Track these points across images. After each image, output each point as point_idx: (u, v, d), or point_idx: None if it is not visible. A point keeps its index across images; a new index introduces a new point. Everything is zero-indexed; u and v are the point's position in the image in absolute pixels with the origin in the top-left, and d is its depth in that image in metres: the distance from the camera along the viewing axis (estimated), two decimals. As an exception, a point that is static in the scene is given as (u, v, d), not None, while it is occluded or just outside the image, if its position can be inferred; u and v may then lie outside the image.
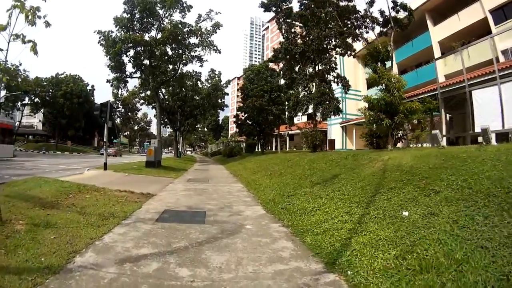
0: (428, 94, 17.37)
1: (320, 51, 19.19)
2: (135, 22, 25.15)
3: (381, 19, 17.34)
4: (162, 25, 26.08)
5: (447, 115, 17.71)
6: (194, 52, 29.28)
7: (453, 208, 4.51)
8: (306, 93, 20.34)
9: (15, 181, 10.77)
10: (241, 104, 37.36)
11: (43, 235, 4.83)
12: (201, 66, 35.88)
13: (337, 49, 20.33)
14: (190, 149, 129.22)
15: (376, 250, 4.18)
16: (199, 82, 41.19)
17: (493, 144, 9.29)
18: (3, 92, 46.80)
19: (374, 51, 13.91)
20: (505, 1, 19.62)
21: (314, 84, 20.06)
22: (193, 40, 28.19)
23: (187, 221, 6.49)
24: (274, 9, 21.51)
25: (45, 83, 57.56)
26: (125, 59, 25.59)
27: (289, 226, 6.17)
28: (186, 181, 14.81)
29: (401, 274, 3.45)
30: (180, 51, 28.13)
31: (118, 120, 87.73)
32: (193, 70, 38.97)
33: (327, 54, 19.78)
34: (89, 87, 67.93)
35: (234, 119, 41.84)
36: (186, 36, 27.18)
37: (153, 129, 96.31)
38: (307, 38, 20.12)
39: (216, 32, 28.03)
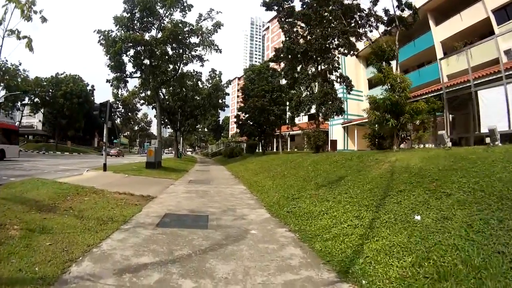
0: (432, 94, 17.13)
1: (323, 50, 18.92)
2: (135, 21, 25.01)
3: (385, 18, 17.07)
4: (162, 25, 25.97)
5: (449, 115, 17.51)
6: (195, 52, 29.22)
7: (467, 212, 4.34)
8: (308, 93, 20.08)
9: (13, 182, 10.46)
10: (242, 105, 37.21)
11: (38, 242, 4.57)
12: (202, 65, 35.79)
13: (340, 48, 20.08)
14: (191, 150, 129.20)
15: (391, 257, 3.95)
16: (199, 82, 40.99)
17: (498, 145, 9.07)
18: (3, 92, 46.67)
19: (379, 50, 13.65)
20: (508, 1, 19.39)
21: (316, 84, 19.81)
22: (194, 39, 28.10)
23: (189, 225, 6.21)
24: (276, 8, 21.25)
25: (45, 83, 57.29)
26: (125, 58, 25.52)
27: (296, 231, 5.91)
28: (187, 183, 14.54)
29: (419, 283, 3.25)
30: (181, 50, 28.00)
31: (118, 121, 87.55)
32: (193, 70, 38.88)
33: (330, 54, 19.51)
34: (89, 87, 67.75)
35: (235, 120, 41.67)
36: (187, 35, 27.07)
37: (154, 129, 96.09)
38: (309, 38, 19.89)
39: (217, 32, 27.93)
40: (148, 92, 36.71)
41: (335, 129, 36.04)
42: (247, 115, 36.03)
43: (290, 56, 21.63)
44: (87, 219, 6.13)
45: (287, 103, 29.76)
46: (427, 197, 5.33)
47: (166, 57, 26.88)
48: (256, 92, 33.18)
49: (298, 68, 22.07)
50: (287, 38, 21.17)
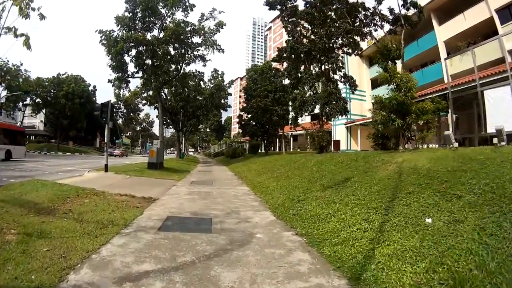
0: (437, 94, 16.93)
1: (326, 49, 18.73)
2: (137, 21, 24.93)
3: (390, 17, 16.89)
4: (164, 24, 25.82)
5: (453, 115, 17.42)
6: (197, 52, 29.04)
7: (478, 214, 4.24)
8: (312, 93, 19.89)
9: (12, 183, 10.27)
10: (244, 105, 37.05)
11: (35, 247, 4.40)
12: (204, 65, 35.68)
13: (344, 48, 19.90)
14: (193, 150, 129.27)
15: (403, 262, 3.78)
16: (201, 82, 40.80)
17: (504, 145, 8.89)
18: (4, 92, 46.69)
19: (384, 49, 13.45)
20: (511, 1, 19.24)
21: (320, 83, 19.61)
22: (196, 39, 27.98)
23: (192, 229, 6.00)
24: (279, 7, 21.11)
25: (46, 83, 57.18)
26: (127, 58, 25.51)
27: (303, 234, 5.70)
28: (189, 184, 14.35)
29: (435, 290, 3.07)
30: (183, 50, 27.90)
31: (120, 121, 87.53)
32: (196, 70, 38.79)
33: (334, 53, 19.32)
34: (90, 88, 67.72)
35: (237, 120, 41.53)
36: (189, 35, 26.98)
37: (156, 129, 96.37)
38: (312, 37, 19.71)
39: (219, 31, 27.79)
40: (150, 92, 36.62)
41: (338, 129, 35.85)
42: (249, 115, 35.87)
43: (293, 56, 21.46)
44: (87, 222, 5.93)
45: (290, 103, 29.61)
46: (437, 199, 5.18)
47: (168, 57, 26.82)
48: (259, 92, 33.03)
49: (301, 68, 21.92)
50: (291, 38, 20.99)
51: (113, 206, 7.54)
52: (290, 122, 30.92)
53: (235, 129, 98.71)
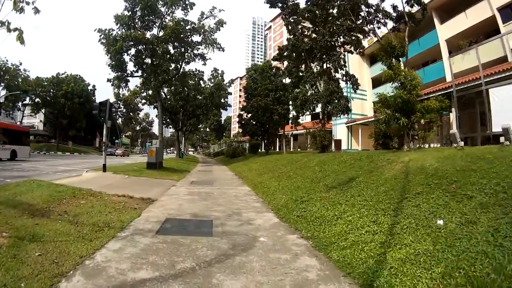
0: (441, 93, 16.72)
1: (328, 47, 18.48)
2: (137, 20, 24.72)
3: (394, 14, 16.65)
4: (164, 23, 25.58)
5: (453, 114, 17.25)
6: (197, 50, 28.81)
7: (491, 215, 4.05)
8: (313, 91, 19.64)
9: (8, 184, 10.04)
10: (245, 104, 36.85)
11: (27, 252, 4.16)
12: (204, 64, 35.62)
13: (346, 46, 19.65)
14: (193, 150, 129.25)
15: (418, 267, 3.56)
16: (201, 82, 40.62)
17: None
18: (3, 92, 46.52)
19: (388, 47, 13.19)
20: (514, -1, 19.17)
21: (321, 82, 19.36)
22: (196, 38, 27.77)
23: (192, 232, 5.72)
24: (280, 5, 20.89)
25: (45, 83, 56.96)
26: (126, 57, 25.31)
27: (308, 238, 5.44)
28: (189, 184, 14.08)
29: (453, 297, 2.94)
30: (183, 49, 27.68)
31: (120, 120, 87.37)
32: (195, 69, 38.50)
33: (336, 52, 19.06)
34: (90, 87, 67.45)
35: (237, 119, 41.36)
36: (189, 33, 26.74)
37: (155, 129, 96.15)
38: (314, 36, 19.49)
39: (219, 30, 27.57)
40: (150, 92, 36.41)
41: (339, 129, 35.68)
42: (250, 115, 35.65)
43: (294, 54, 21.21)
44: (82, 225, 5.68)
45: (290, 102, 29.41)
46: (447, 200, 4.97)
47: (168, 56, 26.63)
48: (259, 91, 32.82)
49: (302, 67, 21.71)
50: (292, 36, 20.75)
51: (110, 208, 7.28)
52: (290, 121, 30.76)
53: (234, 128, 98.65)
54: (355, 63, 34.64)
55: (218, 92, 41.59)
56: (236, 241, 5.20)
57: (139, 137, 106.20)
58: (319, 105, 19.60)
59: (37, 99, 57.75)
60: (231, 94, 48.97)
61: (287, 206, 7.89)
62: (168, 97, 40.28)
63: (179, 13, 27.67)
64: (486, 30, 20.65)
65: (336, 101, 18.04)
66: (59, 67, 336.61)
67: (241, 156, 36.97)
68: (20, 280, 3.35)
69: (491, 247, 3.39)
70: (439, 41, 25.07)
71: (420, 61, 28.32)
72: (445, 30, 24.58)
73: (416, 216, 4.90)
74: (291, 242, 5.25)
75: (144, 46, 24.52)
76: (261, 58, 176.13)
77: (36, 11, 6.06)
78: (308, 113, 21.18)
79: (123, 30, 23.92)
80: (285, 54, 22.35)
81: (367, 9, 17.26)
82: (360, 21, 17.72)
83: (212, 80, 42.79)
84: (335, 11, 18.54)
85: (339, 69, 19.52)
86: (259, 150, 39.18)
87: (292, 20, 20.72)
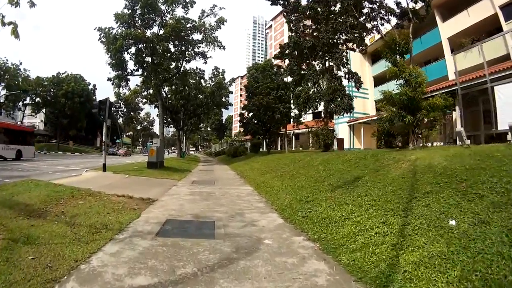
0: (444, 91, 16.50)
1: (331, 45, 18.25)
2: (137, 18, 24.63)
3: (397, 11, 16.44)
4: (164, 21, 25.41)
5: (457, 113, 17.08)
6: (198, 49, 28.66)
7: (504, 215, 3.91)
8: (316, 89, 19.41)
9: (5, 184, 9.85)
10: (246, 102, 36.67)
11: (20, 255, 3.98)
12: (205, 63, 35.56)
13: (349, 43, 19.42)
14: (194, 149, 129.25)
15: (433, 271, 3.39)
16: (202, 80, 40.52)
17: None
18: (3, 92, 46.41)
19: (393, 43, 12.96)
20: (515, -3, 19.06)
21: (324, 80, 19.12)
22: (197, 36, 27.63)
23: (193, 234, 5.46)
24: (281, 2, 20.68)
25: (46, 83, 56.97)
26: (127, 56, 25.17)
27: (315, 240, 5.20)
28: (190, 184, 13.85)
29: (471, 302, 2.83)
30: (183, 47, 27.50)
31: (120, 120, 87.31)
32: (196, 67, 38.41)
33: (338, 49, 18.83)
34: (90, 87, 67.29)
35: (238, 119, 41.22)
36: (189, 32, 26.60)
37: (156, 129, 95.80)
38: (316, 33, 19.27)
39: (220, 28, 27.42)
40: (150, 91, 36.42)
41: (341, 128, 35.49)
42: (251, 114, 35.45)
43: (296, 52, 21.02)
44: (79, 226, 5.47)
45: (291, 101, 29.22)
46: (458, 199, 4.80)
47: (168, 54, 26.46)
48: (261, 90, 32.60)
49: (304, 65, 21.54)
50: (293, 33, 20.54)
51: (109, 208, 7.06)
52: (292, 120, 30.57)
53: (236, 128, 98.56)
54: (356, 62, 34.47)
55: (219, 91, 41.47)
56: (240, 244, 4.96)
57: (140, 136, 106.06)
58: (322, 104, 19.37)
59: (37, 99, 57.68)
60: (232, 93, 48.87)
61: (292, 207, 7.65)
62: (169, 96, 40.25)
63: (179, 11, 27.70)
64: (488, 28, 20.59)
65: (339, 99, 17.80)
66: (59, 66, 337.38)
67: (242, 155, 36.82)
68: (12, 285, 3.20)
69: (506, 248, 3.27)
70: (441, 39, 24.92)
71: (422, 59, 28.15)
72: (447, 28, 24.43)
73: (427, 216, 4.71)
74: (298, 245, 5.01)
75: (144, 45, 24.35)
76: (261, 58, 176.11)
77: (32, 4, 5.85)
78: (310, 111, 20.98)
79: (123, 28, 23.81)
80: (286, 52, 22.13)
81: (370, 5, 17.06)
82: (363, 17, 17.51)
83: (213, 79, 42.67)
84: (337, 7, 18.35)
85: (341, 67, 19.27)
86: (261, 149, 38.99)
87: (293, 18, 20.50)
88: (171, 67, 28.84)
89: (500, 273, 2.96)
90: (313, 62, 20.05)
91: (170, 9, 25.38)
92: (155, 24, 25.54)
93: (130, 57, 25.34)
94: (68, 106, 56.85)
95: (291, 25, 20.64)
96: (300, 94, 19.67)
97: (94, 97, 66.80)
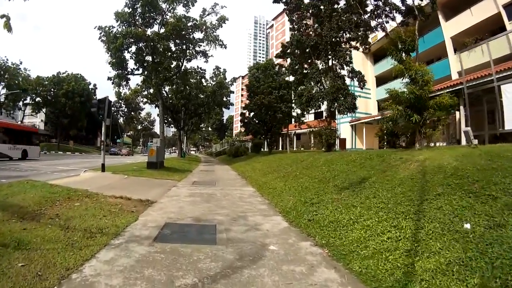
0: (449, 90, 16.28)
1: (334, 43, 17.98)
2: (137, 17, 24.35)
3: (402, 8, 16.18)
4: (165, 20, 25.16)
5: (464, 112, 16.94)
6: (199, 47, 28.37)
7: None
8: (318, 88, 19.14)
9: (1, 184, 9.56)
10: (247, 102, 36.50)
11: (10, 261, 3.72)
12: (206, 61, 35.35)
13: (352, 42, 19.14)
14: (194, 149, 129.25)
15: (451, 279, 3.22)
16: (203, 80, 40.31)
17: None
18: (3, 91, 46.30)
19: (399, 40, 12.71)
20: (519, -4, 18.95)
21: (327, 79, 18.85)
22: (198, 34, 27.38)
23: (193, 240, 5.16)
24: (284, 0, 20.46)
25: (46, 82, 56.83)
26: (127, 55, 24.90)
27: (323, 245, 4.92)
28: (191, 184, 13.57)
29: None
30: (184, 46, 27.22)
31: (121, 120, 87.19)
32: (197, 66, 38.26)
33: (342, 47, 18.55)
34: (91, 86, 67.03)
35: (239, 118, 41.04)
36: (190, 30, 26.30)
37: (157, 128, 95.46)
38: (319, 30, 19.01)
39: (221, 26, 27.17)
40: (151, 90, 36.32)
41: (343, 128, 35.23)
42: (252, 113, 35.23)
43: (299, 51, 20.82)
44: (73, 230, 5.19)
45: (293, 100, 28.97)
46: (471, 201, 4.59)
47: (169, 53, 26.21)
48: (263, 89, 32.38)
49: (306, 65, 21.30)
50: (296, 31, 20.28)
51: (105, 211, 6.78)
52: (294, 120, 30.33)
53: (236, 128, 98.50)
54: (358, 61, 34.15)
55: (220, 91, 41.29)
56: (243, 250, 4.67)
57: (140, 136, 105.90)
58: (325, 103, 19.10)
59: (37, 99, 57.46)
60: (233, 92, 48.69)
61: (296, 209, 7.38)
62: (169, 95, 40.10)
63: (180, 10, 27.49)
64: (491, 28, 20.45)
65: (343, 98, 17.51)
66: (59, 66, 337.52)
67: (243, 155, 36.70)
68: (-3, 296, 2.88)
69: (525, 253, 3.09)
70: (444, 38, 24.78)
71: (424, 58, 27.82)
72: (450, 28, 24.28)
73: (440, 219, 4.49)
74: (305, 251, 4.73)
75: (145, 43, 24.09)
76: (263, 57, 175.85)
77: (25, -4, 5.64)
78: (312, 111, 20.74)
79: (124, 27, 23.52)
80: (288, 51, 21.94)
81: (375, 2, 16.81)
82: (368, 15, 17.25)
83: (214, 79, 42.48)
84: (340, 5, 18.12)
85: (344, 66, 19.00)
86: (262, 149, 38.83)
87: (296, 16, 20.25)
88: (172, 66, 28.59)
89: (521, 279, 2.76)
90: (316, 60, 19.77)
91: (171, 7, 25.08)
92: (155, 22, 25.26)
93: (131, 56, 25.14)
94: (68, 105, 56.70)
95: (294, 23, 20.39)
96: (303, 93, 19.40)
97: (94, 97, 66.46)
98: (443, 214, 4.57)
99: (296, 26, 20.25)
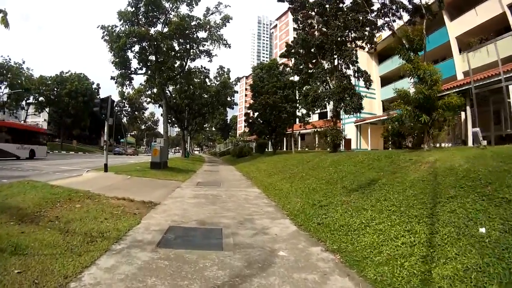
0: (456, 90, 16.07)
1: (340, 43, 17.76)
2: (140, 16, 24.12)
3: (409, 6, 15.95)
4: (168, 19, 24.98)
5: (466, 113, 17.09)
6: (203, 47, 28.18)
7: None
8: (324, 88, 18.92)
9: (1, 185, 9.38)
10: (251, 102, 36.42)
11: (6, 268, 3.52)
12: (210, 61, 35.12)
13: (358, 41, 18.90)
14: (198, 149, 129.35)
15: (470, 286, 3.08)
16: (207, 80, 40.21)
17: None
18: (6, 91, 46.38)
19: (406, 39, 12.47)
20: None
21: (333, 79, 18.63)
22: (202, 34, 27.17)
23: (199, 245, 4.91)
24: (289, -1, 20.24)
25: (49, 82, 57.04)
26: (130, 54, 24.73)
27: (335, 251, 4.68)
28: (195, 185, 13.37)
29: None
30: (188, 45, 27.04)
31: (125, 120, 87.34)
32: (201, 66, 38.22)
33: (348, 47, 18.31)
34: (94, 86, 67.21)
35: (244, 118, 40.98)
36: (194, 29, 26.09)
37: (161, 128, 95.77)
38: (324, 29, 18.80)
39: (225, 26, 26.94)
40: (154, 90, 36.22)
41: (348, 128, 35.00)
42: (257, 113, 35.08)
43: (303, 51, 20.64)
44: (73, 234, 4.98)
45: (298, 100, 28.76)
46: (485, 204, 4.42)
47: (173, 52, 26.01)
48: (267, 89, 32.22)
49: (311, 65, 21.10)
50: (301, 30, 20.07)
51: (107, 213, 6.57)
52: (299, 120, 30.13)
53: (240, 128, 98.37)
54: (363, 61, 33.80)
55: (224, 90, 41.26)
56: (252, 257, 4.42)
57: (144, 136, 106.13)
58: (330, 103, 18.86)
59: (41, 98, 57.76)
60: (237, 92, 48.56)
61: (305, 212, 7.14)
62: (173, 95, 40.03)
63: (184, 9, 27.30)
64: (496, 28, 20.29)
65: (349, 98, 17.28)
66: (63, 66, 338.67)
67: (248, 155, 36.55)
68: (-7, 305, 2.70)
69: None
70: (449, 38, 24.53)
71: (429, 58, 27.32)
72: (455, 28, 24.08)
73: (454, 223, 4.32)
74: (316, 257, 4.49)
75: (148, 43, 23.95)
76: (266, 57, 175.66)
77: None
78: (318, 111, 20.54)
79: (127, 26, 23.35)
80: (293, 51, 21.82)
81: (382, 0, 16.56)
82: (375, 13, 17.02)
83: (218, 78, 42.39)
84: (347, 3, 18.01)
85: (350, 65, 18.78)
86: (266, 150, 38.67)
87: (301, 15, 20.04)
88: (176, 65, 28.42)
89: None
90: (322, 60, 19.56)
91: (174, 6, 24.86)
92: (159, 22, 25.07)
93: (134, 56, 24.92)
94: (71, 105, 56.91)
95: (298, 22, 20.19)
96: (309, 93, 19.21)
97: (97, 96, 66.74)
98: (457, 218, 4.39)
99: (301, 26, 20.08)
